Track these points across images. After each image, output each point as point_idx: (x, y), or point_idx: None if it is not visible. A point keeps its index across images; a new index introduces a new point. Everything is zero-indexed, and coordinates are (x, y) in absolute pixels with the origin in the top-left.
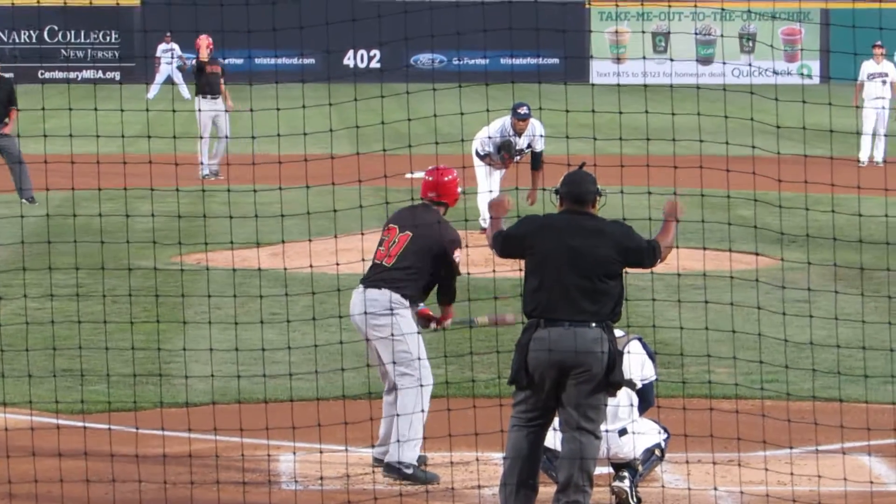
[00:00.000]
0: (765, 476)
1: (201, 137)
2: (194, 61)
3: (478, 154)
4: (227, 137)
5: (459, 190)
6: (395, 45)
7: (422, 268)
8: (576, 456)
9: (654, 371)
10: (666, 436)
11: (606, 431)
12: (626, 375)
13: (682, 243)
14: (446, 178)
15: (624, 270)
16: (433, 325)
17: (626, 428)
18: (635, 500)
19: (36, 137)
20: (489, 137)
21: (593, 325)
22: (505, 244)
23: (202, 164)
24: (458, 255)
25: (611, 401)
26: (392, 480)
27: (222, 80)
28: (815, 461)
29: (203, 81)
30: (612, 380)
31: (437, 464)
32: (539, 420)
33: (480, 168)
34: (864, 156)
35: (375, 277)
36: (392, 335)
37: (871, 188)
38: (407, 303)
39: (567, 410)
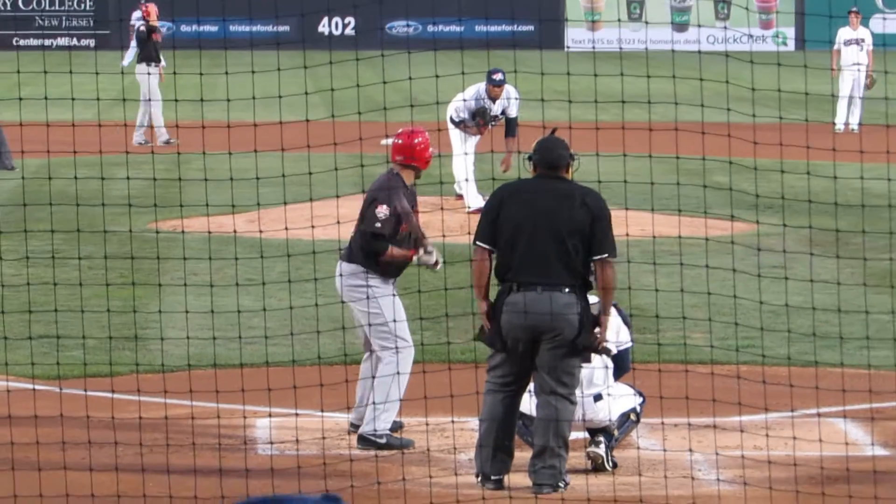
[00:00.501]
0: (740, 440)
1: (157, 101)
2: (143, 27)
3: (452, 121)
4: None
5: (432, 151)
6: (370, 12)
7: None
8: (551, 419)
9: (630, 337)
10: (641, 400)
11: (581, 396)
12: None
13: (658, 209)
14: (416, 141)
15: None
16: (415, 260)
17: (602, 393)
18: (611, 464)
19: (11, 102)
20: (464, 101)
21: (566, 290)
22: (482, 223)
23: (160, 128)
24: (382, 212)
25: (586, 366)
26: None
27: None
28: (791, 425)
29: (151, 48)
30: (585, 344)
31: (412, 428)
32: (514, 385)
33: (455, 132)
34: (839, 121)
35: (346, 249)
36: (369, 306)
37: (847, 150)
38: (378, 271)
39: (541, 375)
